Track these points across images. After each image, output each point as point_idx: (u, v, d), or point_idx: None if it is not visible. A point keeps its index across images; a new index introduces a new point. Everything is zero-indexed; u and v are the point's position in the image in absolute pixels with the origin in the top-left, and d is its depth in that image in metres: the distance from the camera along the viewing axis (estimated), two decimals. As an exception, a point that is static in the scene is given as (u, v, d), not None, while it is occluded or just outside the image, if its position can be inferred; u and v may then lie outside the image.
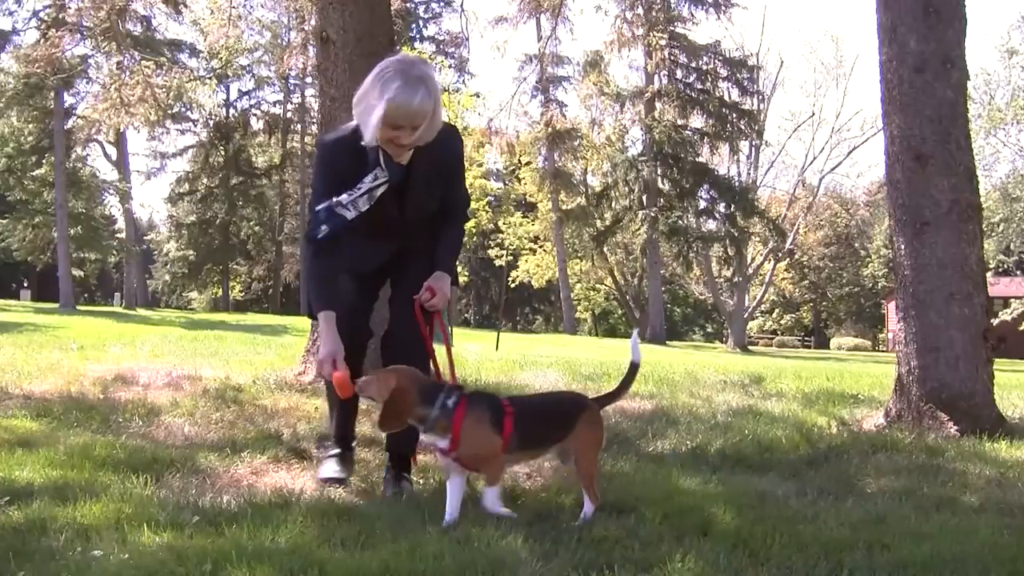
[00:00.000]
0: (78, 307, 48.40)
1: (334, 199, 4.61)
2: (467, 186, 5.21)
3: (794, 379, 11.34)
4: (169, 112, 45.81)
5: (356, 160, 4.63)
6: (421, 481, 4.97)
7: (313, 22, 14.88)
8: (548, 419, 4.32)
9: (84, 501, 4.03)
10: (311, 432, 6.13)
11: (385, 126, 4.40)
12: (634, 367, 4.59)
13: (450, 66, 58.19)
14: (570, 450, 4.24)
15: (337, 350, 4.49)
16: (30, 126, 54.84)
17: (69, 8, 26.14)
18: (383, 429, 4.22)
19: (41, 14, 42.77)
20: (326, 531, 3.52)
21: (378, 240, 4.92)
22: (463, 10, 37.21)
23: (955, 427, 7.43)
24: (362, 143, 4.54)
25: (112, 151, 61.19)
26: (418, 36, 60.13)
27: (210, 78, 58.32)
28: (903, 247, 7.90)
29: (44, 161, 54.55)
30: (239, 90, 71.69)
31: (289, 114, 73.33)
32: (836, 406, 8.70)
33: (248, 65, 65.71)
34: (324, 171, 4.78)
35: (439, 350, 4.71)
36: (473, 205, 45.32)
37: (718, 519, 4.15)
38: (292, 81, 66.58)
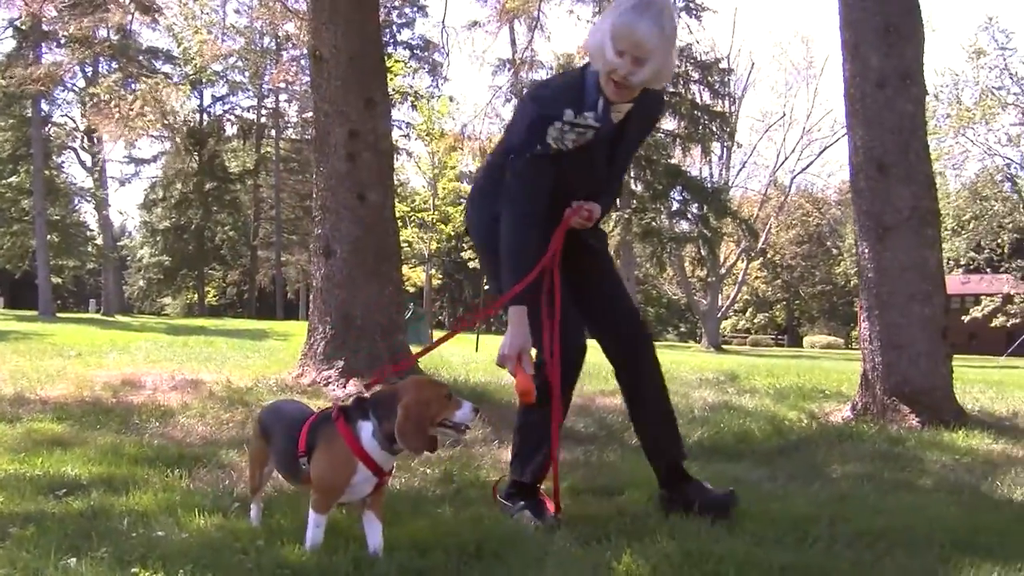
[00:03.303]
0: (57, 314, 48.42)
1: (563, 111, 4.21)
2: None
3: (767, 376, 11.80)
4: (161, 122, 45.99)
5: (577, 103, 4.23)
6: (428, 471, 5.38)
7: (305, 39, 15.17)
8: None
9: (134, 492, 4.47)
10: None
11: (611, 53, 4.07)
12: None
13: (424, 71, 58.77)
14: None
15: (525, 344, 4.19)
16: (7, 134, 54.69)
17: (46, 17, 26.42)
18: None
19: (17, 22, 42.95)
20: (357, 511, 3.91)
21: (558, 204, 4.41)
22: (444, 25, 37.61)
23: (916, 419, 7.93)
24: (583, 88, 4.25)
25: (87, 158, 61.12)
26: (392, 41, 60.29)
27: (184, 83, 58.37)
28: (867, 251, 8.40)
29: (20, 169, 54.43)
30: (213, 95, 71.67)
31: (263, 119, 73.35)
32: (806, 401, 9.18)
33: (223, 71, 65.71)
34: (540, 104, 4.32)
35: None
36: (449, 209, 45.76)
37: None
38: (266, 86, 66.58)
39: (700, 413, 8.13)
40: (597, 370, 10.94)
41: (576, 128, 4.20)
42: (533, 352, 4.28)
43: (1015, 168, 59.51)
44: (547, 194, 4.28)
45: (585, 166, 4.34)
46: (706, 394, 9.38)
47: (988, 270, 65.27)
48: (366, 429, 3.52)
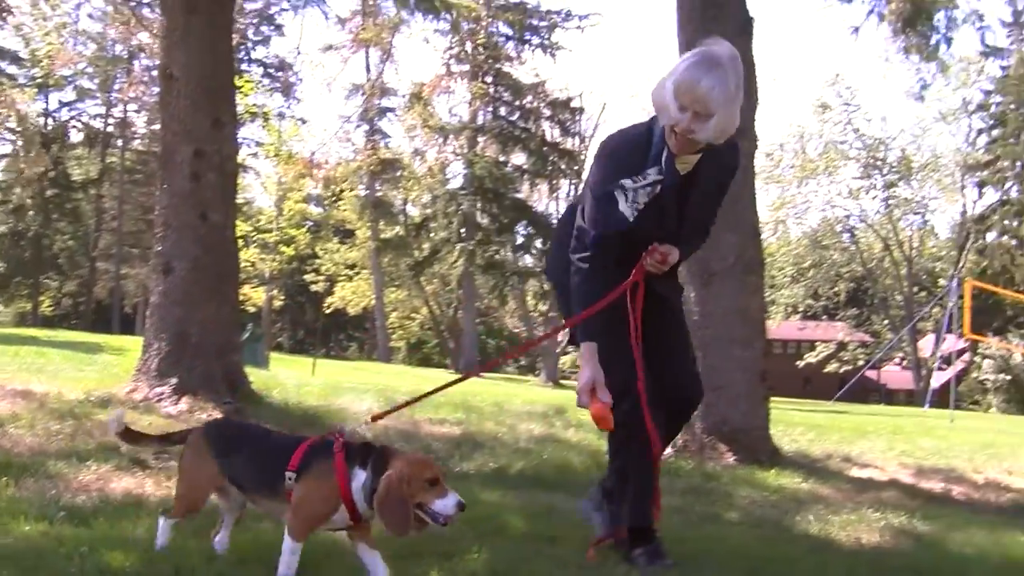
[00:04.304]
0: None
1: (621, 181, 4.34)
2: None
3: (594, 412, 11.98)
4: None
5: (642, 157, 4.35)
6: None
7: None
8: None
9: (-45, 498, 4.51)
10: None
11: (674, 107, 4.15)
12: None
13: (277, 91, 58.35)
14: None
15: (598, 377, 4.28)
16: None
17: None
18: None
19: None
20: (178, 524, 4.03)
21: (633, 264, 4.47)
22: (299, 51, 37.59)
23: (733, 457, 8.34)
24: (649, 141, 4.35)
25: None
26: (246, 58, 59.76)
27: (30, 87, 57.19)
28: (693, 295, 8.76)
29: None
30: (60, 101, 70.04)
31: (110, 128, 71.86)
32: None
33: (71, 76, 64.24)
34: (607, 164, 4.45)
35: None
36: (292, 231, 45.46)
37: (511, 524, 4.88)
38: (115, 95, 65.32)
39: (525, 444, 8.35)
40: (428, 399, 11.16)
41: (643, 188, 4.32)
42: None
43: (854, 220, 61.79)
44: (618, 245, 4.40)
45: (654, 215, 4.37)
46: (533, 426, 9.59)
47: (824, 317, 67.36)
48: (359, 478, 3.50)
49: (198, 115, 8.80)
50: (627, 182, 4.31)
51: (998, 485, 9.06)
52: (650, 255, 4.40)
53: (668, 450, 8.60)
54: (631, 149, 4.40)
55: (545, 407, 11.72)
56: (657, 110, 4.31)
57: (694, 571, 4.17)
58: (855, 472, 8.75)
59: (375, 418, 4.30)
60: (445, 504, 3.43)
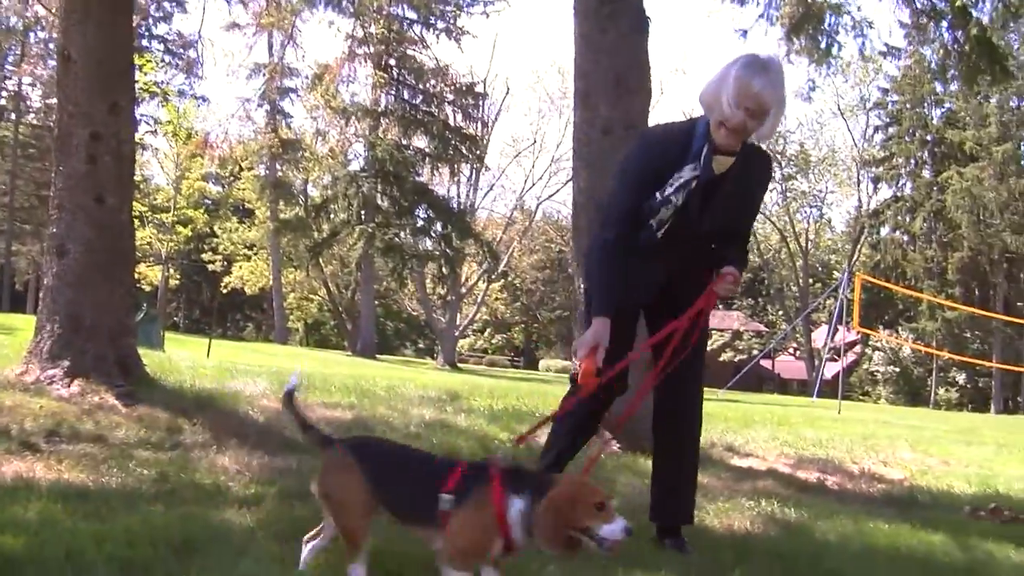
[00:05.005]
0: None
1: (658, 174, 4.63)
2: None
3: (487, 397, 12.25)
4: None
5: (682, 153, 4.63)
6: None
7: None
8: None
9: None
10: (39, 428, 6.58)
11: (727, 103, 4.47)
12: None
13: (178, 69, 57.58)
14: None
15: (603, 340, 4.49)
16: None
17: None
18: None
19: None
20: (69, 507, 4.13)
21: (660, 255, 4.77)
22: (200, 36, 37.18)
23: (617, 445, 8.54)
24: (691, 138, 4.62)
25: None
26: (147, 35, 58.92)
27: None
28: (582, 286, 8.97)
29: None
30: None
31: (3, 101, 70.31)
32: (518, 422, 9.65)
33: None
34: (644, 159, 4.74)
35: None
36: (190, 212, 45.02)
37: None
38: (8, 68, 64.03)
39: (415, 429, 8.50)
40: (322, 382, 11.29)
41: (679, 190, 4.59)
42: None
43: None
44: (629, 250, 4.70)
45: (678, 214, 4.64)
46: (424, 411, 9.72)
47: (720, 306, 68.22)
48: (516, 505, 3.39)
49: (95, 98, 8.75)
50: (656, 196, 4.62)
51: (872, 476, 9.38)
52: (723, 280, 4.68)
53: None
54: (673, 141, 4.70)
55: (439, 392, 11.86)
56: (707, 106, 4.63)
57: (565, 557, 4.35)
58: (736, 461, 8.98)
59: (520, 439, 4.59)
60: (613, 530, 3.32)
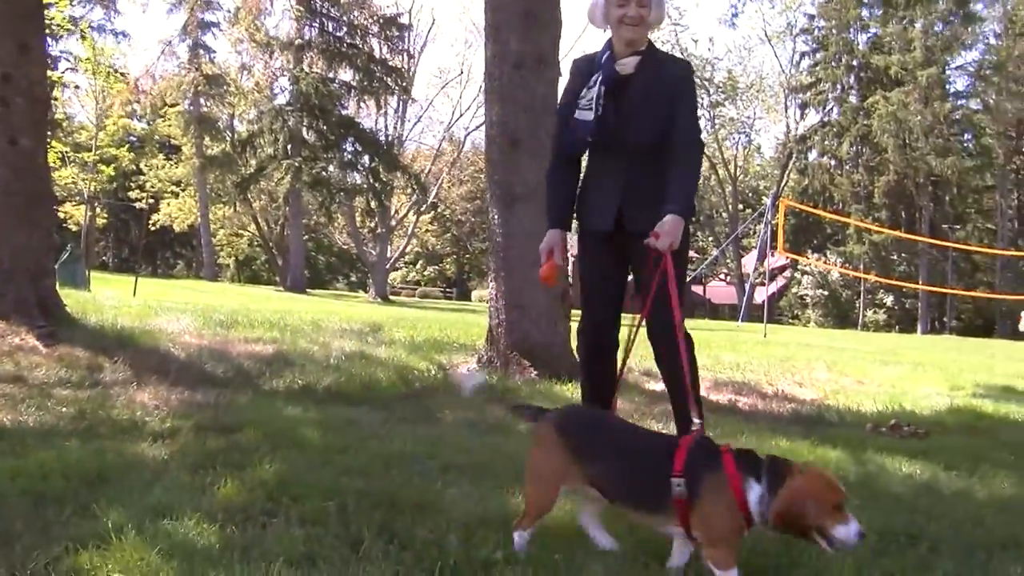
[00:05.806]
0: None
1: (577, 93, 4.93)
2: (696, 121, 5.04)
3: (409, 329, 12.43)
4: None
5: (590, 67, 4.95)
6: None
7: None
8: None
9: None
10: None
11: (609, 4, 4.83)
12: None
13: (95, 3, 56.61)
14: None
15: (555, 243, 4.98)
16: None
17: None
18: None
19: None
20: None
21: (607, 176, 4.95)
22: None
23: (535, 372, 8.77)
24: (600, 59, 4.92)
25: None
26: (61, -32, 57.72)
27: None
28: (496, 218, 9.16)
29: None
30: None
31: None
32: (439, 353, 9.84)
33: None
34: (568, 85, 5.07)
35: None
36: (113, 150, 44.37)
37: (308, 436, 5.23)
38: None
39: (335, 362, 8.65)
40: (245, 318, 11.40)
41: (593, 100, 4.85)
42: None
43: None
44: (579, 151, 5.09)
45: (600, 124, 4.86)
46: (345, 344, 9.86)
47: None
48: (755, 491, 3.23)
49: (5, 40, 8.71)
50: (582, 92, 4.91)
51: (785, 396, 9.62)
52: (655, 238, 4.56)
53: (474, 365, 9.13)
54: (587, 61, 5.05)
55: (362, 325, 12.00)
56: (595, 19, 4.98)
57: (464, 477, 4.55)
58: (651, 385, 9.14)
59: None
60: (848, 531, 3.14)
